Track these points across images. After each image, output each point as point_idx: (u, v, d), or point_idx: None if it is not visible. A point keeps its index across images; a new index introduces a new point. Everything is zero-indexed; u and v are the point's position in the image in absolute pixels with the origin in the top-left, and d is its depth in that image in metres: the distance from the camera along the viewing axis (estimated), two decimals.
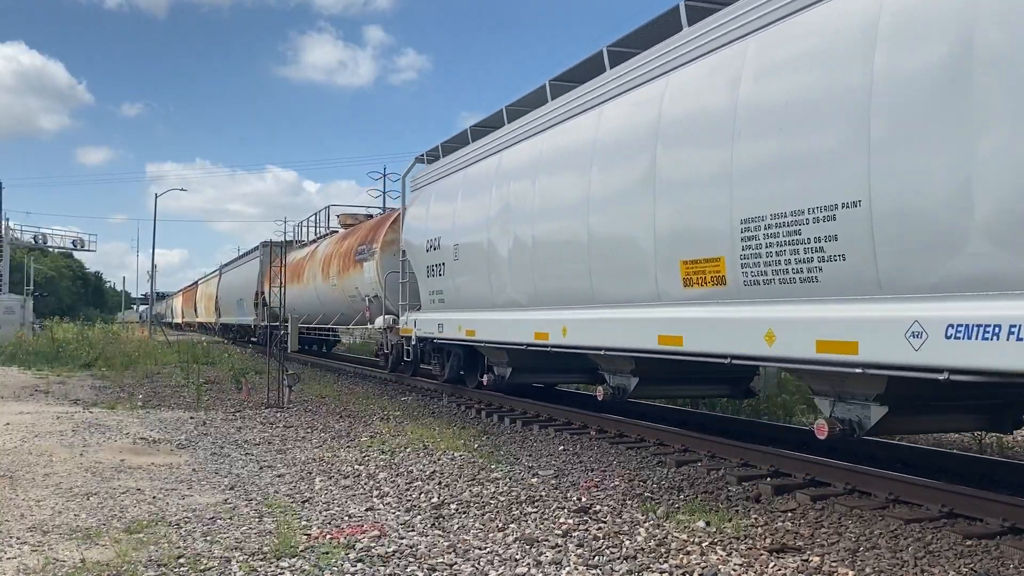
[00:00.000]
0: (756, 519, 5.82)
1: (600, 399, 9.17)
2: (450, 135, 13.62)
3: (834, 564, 4.77)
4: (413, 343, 14.25)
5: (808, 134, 5.89)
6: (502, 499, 6.34)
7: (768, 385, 12.16)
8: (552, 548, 5.01)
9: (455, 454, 8.28)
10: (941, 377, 4.97)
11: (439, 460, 7.95)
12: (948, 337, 4.90)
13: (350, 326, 20.38)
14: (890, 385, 5.73)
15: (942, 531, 5.46)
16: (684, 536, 5.29)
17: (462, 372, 13.72)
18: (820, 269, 5.82)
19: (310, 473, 7.34)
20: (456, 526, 5.54)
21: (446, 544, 5.07)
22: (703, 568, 4.64)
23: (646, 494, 6.63)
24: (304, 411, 12.15)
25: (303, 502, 6.21)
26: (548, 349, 9.72)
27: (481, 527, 5.52)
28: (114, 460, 7.92)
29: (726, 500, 6.46)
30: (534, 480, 7.12)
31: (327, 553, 4.83)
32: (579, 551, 4.95)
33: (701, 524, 5.61)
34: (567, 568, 4.64)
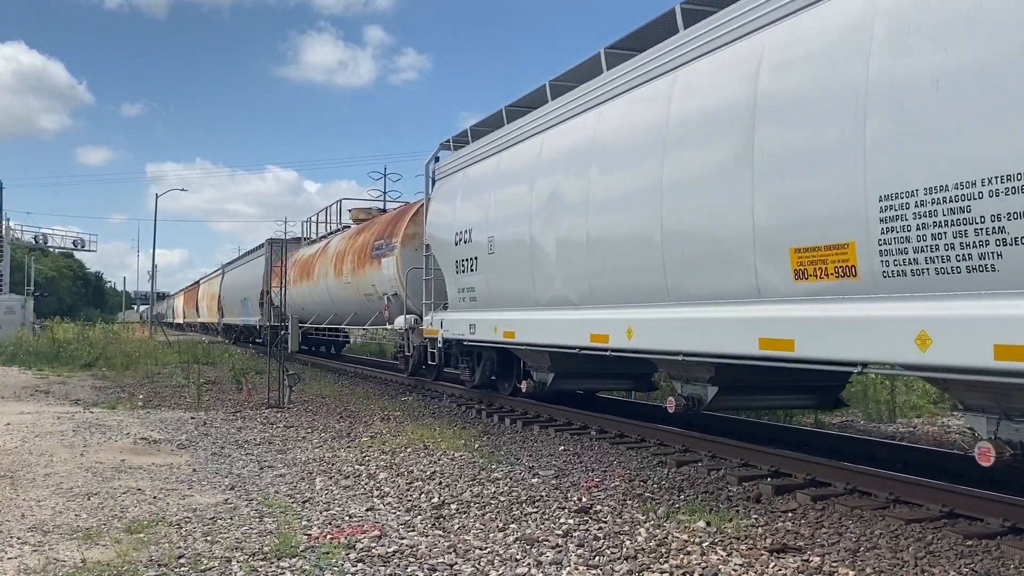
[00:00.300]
0: (756, 519, 5.82)
1: (671, 411, 7.92)
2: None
3: (835, 564, 4.77)
4: (440, 345, 13.07)
5: (983, 87, 4.78)
6: (503, 499, 6.34)
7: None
8: (552, 548, 5.01)
9: (456, 454, 8.28)
10: None
11: (440, 460, 7.95)
12: None
13: (365, 326, 19.19)
14: None
15: (943, 531, 5.46)
16: (684, 536, 5.29)
17: (493, 377, 12.62)
18: (999, 256, 4.75)
19: (311, 473, 7.34)
20: (456, 526, 5.54)
21: (446, 544, 5.07)
22: (703, 568, 4.64)
23: (646, 494, 6.62)
24: (305, 411, 12.16)
25: (303, 502, 6.21)
26: (607, 353, 8.52)
27: (482, 527, 5.52)
28: (115, 460, 7.92)
29: (726, 500, 6.45)
30: (535, 480, 7.12)
31: (328, 553, 4.83)
32: (579, 551, 4.95)
33: (701, 524, 5.61)
34: (567, 568, 4.64)
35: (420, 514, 5.86)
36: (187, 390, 15.10)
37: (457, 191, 12.50)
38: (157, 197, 51.53)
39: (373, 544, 5.03)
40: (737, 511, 6.08)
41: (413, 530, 5.42)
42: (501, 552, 4.92)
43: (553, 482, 7.03)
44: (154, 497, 6.35)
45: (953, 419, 10.78)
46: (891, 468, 6.86)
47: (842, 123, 5.65)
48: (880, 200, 5.40)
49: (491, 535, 5.31)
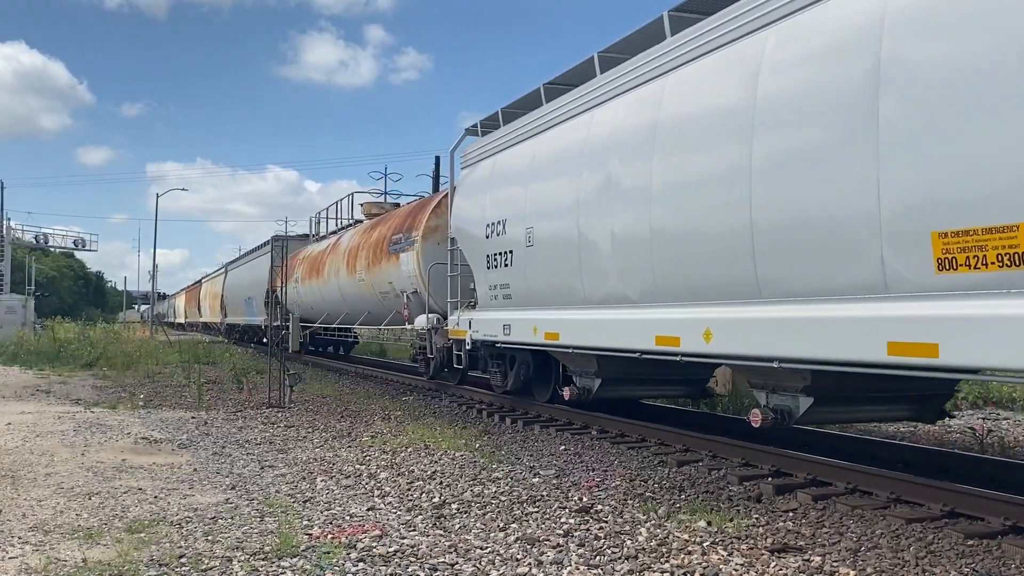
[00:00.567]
0: (757, 519, 5.82)
1: (756, 426, 6.85)
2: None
3: (835, 564, 4.77)
4: (468, 347, 11.95)
5: None
6: (503, 499, 6.34)
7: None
8: (553, 548, 5.01)
9: (456, 454, 8.28)
10: None
11: (440, 460, 7.95)
12: None
13: (381, 326, 18.02)
14: None
15: (944, 531, 5.45)
16: (685, 536, 5.29)
17: (527, 382, 11.52)
18: None
19: (311, 473, 7.34)
20: (457, 526, 5.54)
21: (447, 544, 5.07)
22: (704, 568, 4.64)
23: (647, 494, 6.62)
24: (306, 411, 12.16)
25: (304, 502, 6.22)
26: (677, 359, 7.44)
27: (482, 527, 5.52)
28: (115, 460, 7.93)
29: (727, 500, 6.45)
30: (535, 480, 7.12)
31: (328, 553, 4.83)
32: (580, 551, 4.95)
33: (702, 524, 5.61)
34: (568, 568, 4.64)
35: (421, 514, 5.86)
36: (188, 390, 15.10)
37: (487, 179, 11.45)
38: (158, 197, 51.60)
39: (374, 544, 5.03)
40: (738, 511, 6.08)
41: (414, 530, 5.43)
42: (502, 552, 4.92)
43: (554, 482, 7.03)
44: (155, 497, 6.35)
45: (956, 419, 10.76)
46: (892, 468, 6.86)
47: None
48: None
49: (492, 535, 5.31)
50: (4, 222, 44.54)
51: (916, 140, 5.21)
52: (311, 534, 5.25)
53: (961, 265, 5.01)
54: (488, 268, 11.18)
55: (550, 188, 9.66)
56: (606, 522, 5.65)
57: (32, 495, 6.36)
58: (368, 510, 5.97)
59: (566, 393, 10.02)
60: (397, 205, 20.32)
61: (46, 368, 20.50)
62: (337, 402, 13.37)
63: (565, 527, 5.47)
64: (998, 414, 12.15)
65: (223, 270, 42.17)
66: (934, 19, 5.15)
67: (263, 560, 4.69)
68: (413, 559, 4.76)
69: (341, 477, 7.16)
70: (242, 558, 4.73)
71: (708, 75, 7.10)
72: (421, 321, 13.93)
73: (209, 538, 5.15)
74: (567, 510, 5.98)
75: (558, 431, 10.03)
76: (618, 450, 8.71)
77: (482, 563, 4.71)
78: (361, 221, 21.48)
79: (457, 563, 4.70)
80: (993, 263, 4.82)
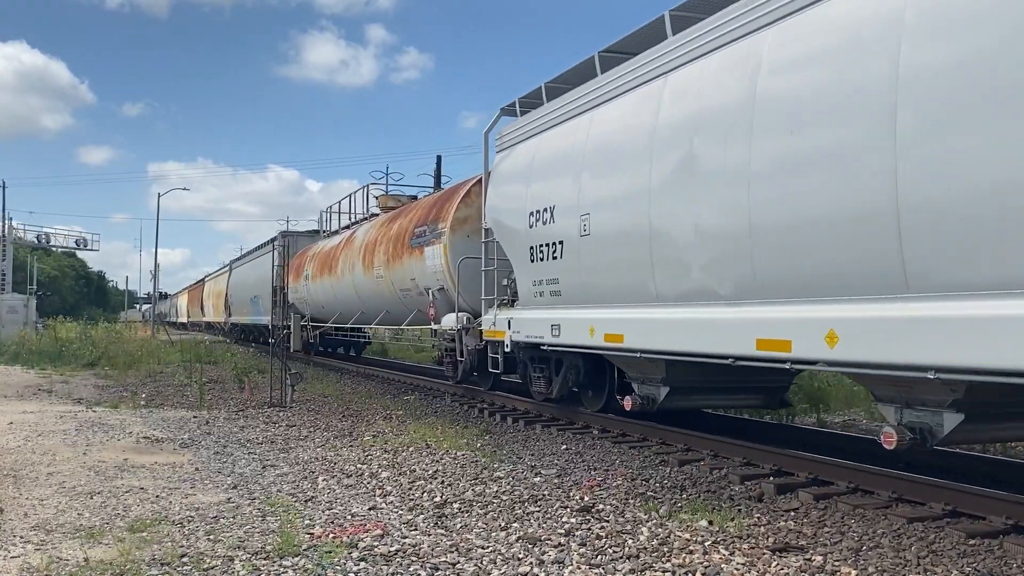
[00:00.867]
0: (759, 518, 5.82)
1: (890, 448, 5.74)
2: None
3: (837, 563, 4.77)
4: (507, 349, 10.78)
5: None
6: (505, 498, 6.34)
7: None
8: (555, 547, 5.01)
9: (458, 453, 8.28)
10: None
11: (442, 459, 7.95)
12: None
13: (402, 326, 16.71)
14: None
15: (945, 530, 5.45)
16: (687, 535, 5.29)
17: (575, 389, 10.51)
18: None
19: (313, 472, 7.35)
20: (459, 525, 5.54)
21: (449, 543, 5.08)
22: (706, 567, 4.64)
23: (649, 493, 6.62)
24: (307, 410, 12.17)
25: (306, 501, 6.22)
26: (785, 366, 6.31)
27: (484, 526, 5.52)
28: (117, 459, 7.94)
29: (729, 499, 6.45)
30: (537, 479, 7.12)
31: (330, 552, 4.84)
32: (582, 550, 4.95)
33: (704, 523, 5.61)
34: (570, 567, 4.64)
35: (422, 513, 5.86)
36: (189, 389, 15.11)
37: (529, 162, 10.28)
38: (159, 196, 51.75)
39: (375, 543, 5.03)
40: (739, 510, 6.08)
41: (415, 529, 5.43)
42: (503, 551, 4.93)
43: (555, 481, 7.03)
44: (157, 496, 6.36)
45: None
46: (894, 467, 6.86)
47: None
48: None
49: (493, 534, 5.32)
50: (6, 222, 44.64)
51: None
52: (313, 533, 5.25)
53: None
54: (532, 261, 9.99)
55: (610, 170, 8.41)
56: (607, 521, 5.65)
57: (34, 494, 6.37)
58: (370, 509, 5.97)
59: (627, 403, 8.76)
60: (414, 198, 19.08)
61: (48, 368, 20.53)
62: (338, 402, 13.38)
63: (567, 526, 5.47)
64: None
65: (227, 268, 41.32)
66: None
67: (265, 559, 4.70)
68: (415, 558, 4.76)
69: (343, 476, 7.17)
70: (244, 557, 4.73)
71: (834, 15, 5.82)
72: (450, 321, 12.71)
73: (211, 537, 5.16)
74: (568, 509, 5.98)
75: (559, 431, 10.03)
76: (619, 449, 8.71)
77: (483, 562, 4.71)
78: (376, 215, 20.19)
79: (459, 562, 4.70)
80: None
